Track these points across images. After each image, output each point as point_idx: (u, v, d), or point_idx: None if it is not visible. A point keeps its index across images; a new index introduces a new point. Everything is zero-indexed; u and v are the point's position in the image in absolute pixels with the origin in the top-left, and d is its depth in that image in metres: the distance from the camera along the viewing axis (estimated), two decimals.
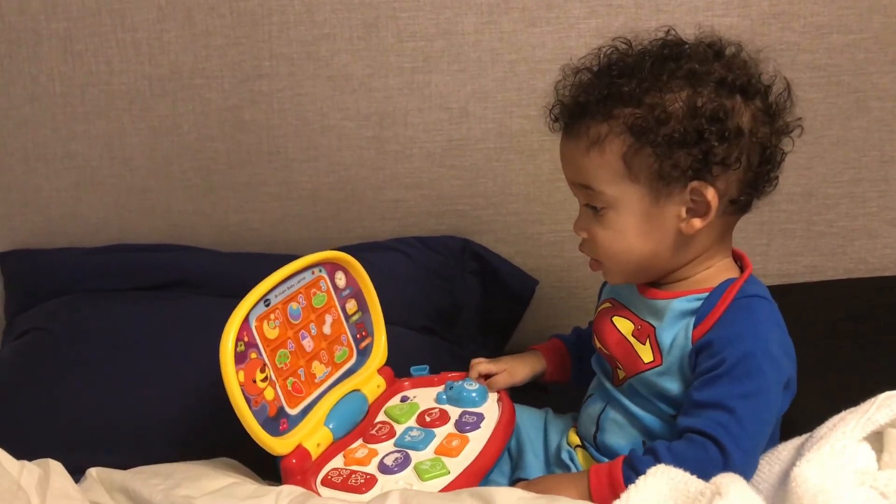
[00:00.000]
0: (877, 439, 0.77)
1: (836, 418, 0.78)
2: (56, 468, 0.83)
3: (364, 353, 1.01)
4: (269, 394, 0.86)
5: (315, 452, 0.88)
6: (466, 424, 0.93)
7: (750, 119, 0.84)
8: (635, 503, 0.67)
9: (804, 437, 0.81)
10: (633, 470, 0.80)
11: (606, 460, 0.88)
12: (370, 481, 0.85)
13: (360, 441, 0.93)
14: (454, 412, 0.96)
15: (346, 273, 1.00)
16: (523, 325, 1.35)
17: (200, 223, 1.38)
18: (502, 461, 0.96)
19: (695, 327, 0.84)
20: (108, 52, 1.29)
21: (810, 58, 1.27)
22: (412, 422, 0.95)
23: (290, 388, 0.89)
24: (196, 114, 1.31)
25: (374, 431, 0.94)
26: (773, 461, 0.81)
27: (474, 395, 0.97)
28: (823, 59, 1.27)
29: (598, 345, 0.94)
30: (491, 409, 0.96)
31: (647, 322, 0.89)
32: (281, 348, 0.89)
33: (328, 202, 1.35)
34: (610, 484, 0.81)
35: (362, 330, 1.01)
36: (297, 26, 1.26)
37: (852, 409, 0.79)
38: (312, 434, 0.89)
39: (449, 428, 0.93)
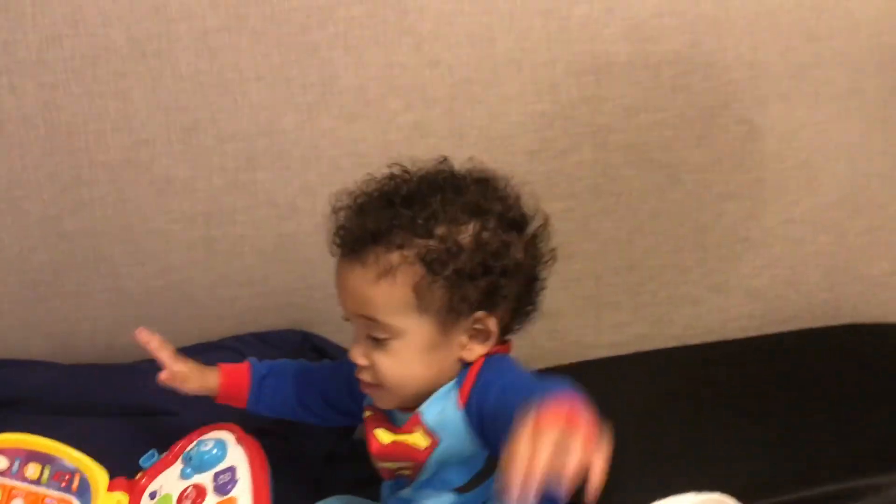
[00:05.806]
0: None
1: None
2: None
3: (83, 489, 0.95)
4: None
5: None
6: (226, 484, 0.90)
7: (522, 252, 0.87)
8: None
9: None
10: None
11: None
12: None
13: None
14: (206, 479, 0.91)
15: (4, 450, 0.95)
16: None
17: (31, 336, 1.34)
18: None
19: (459, 395, 0.86)
20: None
21: (622, 137, 1.32)
22: None
23: None
24: (16, 226, 1.28)
25: None
26: None
27: (215, 451, 0.94)
28: (634, 138, 1.32)
29: (374, 454, 0.94)
30: (237, 456, 0.93)
31: (409, 418, 0.89)
32: None
33: (160, 306, 1.33)
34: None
35: (64, 475, 0.96)
36: (115, 133, 1.26)
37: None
38: None
39: (212, 498, 0.89)
